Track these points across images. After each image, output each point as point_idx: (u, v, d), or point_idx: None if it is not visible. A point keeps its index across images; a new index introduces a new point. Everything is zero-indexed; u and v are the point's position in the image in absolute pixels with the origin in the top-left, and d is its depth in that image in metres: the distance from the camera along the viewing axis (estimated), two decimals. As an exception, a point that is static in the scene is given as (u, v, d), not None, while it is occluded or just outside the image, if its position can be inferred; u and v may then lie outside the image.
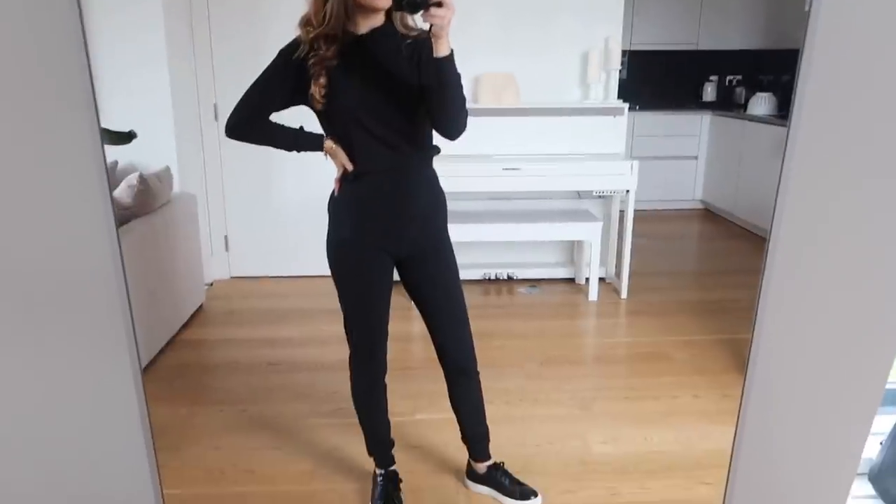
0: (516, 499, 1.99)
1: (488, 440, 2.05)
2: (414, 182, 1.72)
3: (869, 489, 1.81)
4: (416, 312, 1.88)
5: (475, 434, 2.03)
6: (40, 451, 1.36)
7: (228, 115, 1.70)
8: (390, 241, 1.74)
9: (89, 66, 1.12)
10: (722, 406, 2.59)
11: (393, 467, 2.04)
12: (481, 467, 2.05)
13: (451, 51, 1.52)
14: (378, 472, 2.03)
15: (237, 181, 4.02)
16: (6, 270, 1.21)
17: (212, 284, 4.02)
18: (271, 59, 1.67)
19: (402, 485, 2.03)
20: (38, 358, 1.28)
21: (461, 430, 2.02)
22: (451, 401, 1.97)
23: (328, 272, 1.80)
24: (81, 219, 1.18)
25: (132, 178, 2.89)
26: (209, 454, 2.30)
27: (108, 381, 1.30)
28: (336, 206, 1.77)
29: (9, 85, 1.10)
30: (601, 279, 3.95)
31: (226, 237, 4.11)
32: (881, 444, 1.82)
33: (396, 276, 1.84)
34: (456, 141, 1.68)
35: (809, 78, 1.19)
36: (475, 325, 1.89)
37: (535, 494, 1.99)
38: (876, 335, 1.32)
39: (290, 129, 1.74)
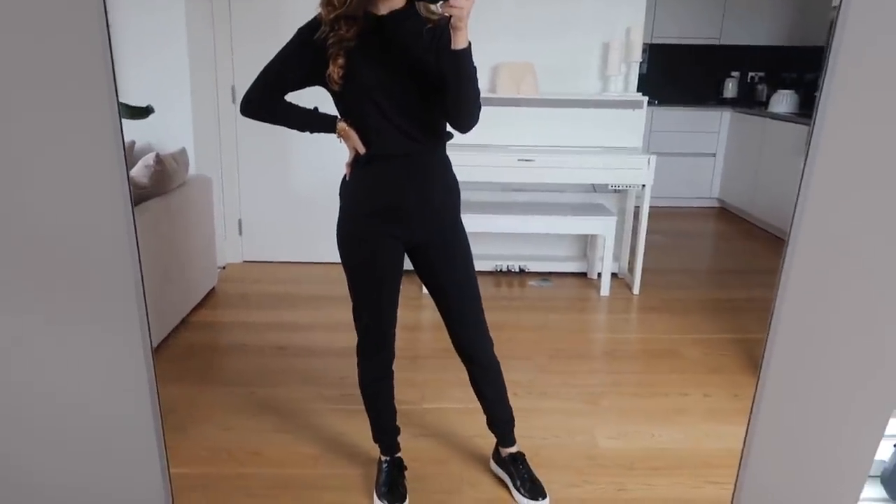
0: (523, 494, 1.97)
1: (511, 426, 2.04)
2: (426, 168, 1.71)
3: (880, 492, 1.79)
4: (425, 301, 1.88)
5: (496, 420, 2.02)
6: (51, 423, 1.37)
7: (244, 93, 1.69)
8: (401, 227, 1.73)
9: (110, 43, 1.12)
10: (732, 406, 2.56)
11: (398, 454, 2.04)
12: (503, 452, 2.05)
13: (469, 44, 1.51)
14: (383, 458, 2.03)
15: (253, 165, 4.03)
16: (23, 242, 1.21)
17: (224, 267, 4.04)
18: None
19: (406, 472, 2.02)
20: (51, 331, 1.28)
21: (486, 415, 2.03)
22: (472, 387, 1.97)
23: (339, 259, 1.80)
24: (98, 192, 1.18)
25: (149, 158, 2.90)
26: (217, 435, 2.32)
27: (119, 356, 1.30)
28: (347, 190, 1.76)
29: (29, 59, 1.10)
30: (614, 275, 3.92)
31: (239, 221, 4.12)
32: (895, 446, 1.79)
33: (408, 266, 1.83)
34: (472, 130, 1.67)
35: (835, 75, 1.17)
36: (486, 317, 1.88)
37: (544, 496, 1.96)
38: (892, 339, 1.29)
39: (304, 109, 1.73)
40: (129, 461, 1.41)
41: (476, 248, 1.86)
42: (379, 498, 1.95)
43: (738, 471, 1.45)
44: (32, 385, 1.33)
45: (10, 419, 1.36)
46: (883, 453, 1.77)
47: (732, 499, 1.50)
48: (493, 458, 2.11)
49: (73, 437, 1.39)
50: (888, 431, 1.38)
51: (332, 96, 1.68)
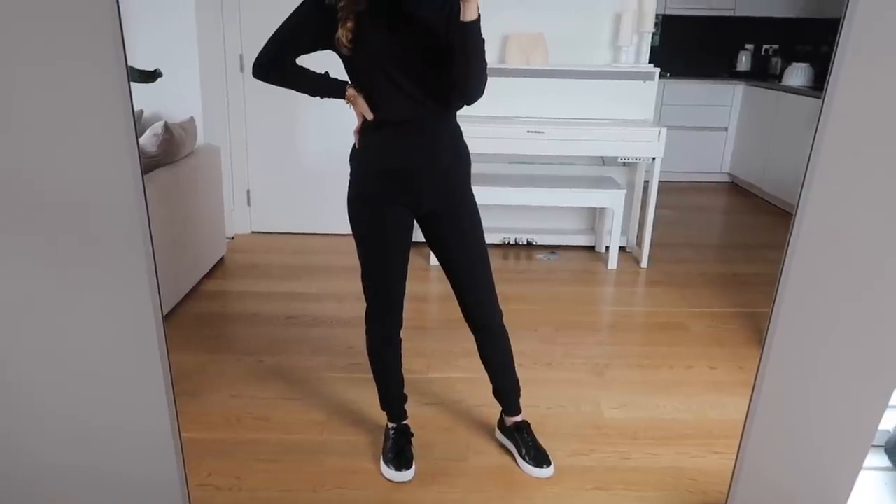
0: (528, 462, 1.99)
1: (517, 396, 2.06)
2: (434, 134, 1.71)
3: (884, 460, 1.80)
4: (433, 273, 1.88)
5: (502, 389, 2.04)
6: (62, 389, 1.39)
7: (256, 55, 1.69)
8: (410, 195, 1.74)
9: (119, 11, 1.11)
10: (737, 378, 2.58)
11: (405, 422, 2.07)
12: (508, 421, 2.08)
13: (479, 16, 1.51)
14: (390, 425, 2.06)
15: (261, 136, 4.03)
16: (34, 209, 1.22)
17: (233, 238, 4.06)
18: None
19: (413, 439, 2.05)
20: (63, 297, 1.30)
21: (492, 385, 2.04)
22: (479, 356, 1.98)
23: (347, 230, 1.80)
24: (107, 155, 1.18)
25: (157, 127, 2.90)
26: (226, 401, 2.35)
27: (130, 322, 1.32)
28: (356, 158, 1.77)
29: (39, 22, 1.10)
30: (622, 248, 3.92)
31: (248, 191, 4.13)
32: (900, 416, 1.80)
33: (418, 238, 1.84)
34: (480, 101, 1.67)
35: (848, 47, 1.15)
36: (492, 288, 1.89)
37: (549, 463, 1.99)
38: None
39: (315, 73, 1.73)
40: (141, 425, 1.43)
41: (483, 221, 1.85)
42: (386, 464, 1.98)
43: (740, 441, 1.46)
44: (45, 350, 1.35)
45: (22, 385, 1.38)
46: (887, 423, 1.78)
47: (734, 469, 1.51)
48: (499, 428, 2.14)
49: (84, 402, 1.41)
50: (892, 402, 1.39)
51: (343, 61, 1.67)
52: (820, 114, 1.21)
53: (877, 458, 1.80)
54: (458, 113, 1.76)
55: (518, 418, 2.07)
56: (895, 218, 1.23)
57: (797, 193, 1.29)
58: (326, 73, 1.74)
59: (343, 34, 1.57)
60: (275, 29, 1.67)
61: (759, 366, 1.38)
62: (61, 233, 1.24)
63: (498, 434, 2.14)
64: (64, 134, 1.16)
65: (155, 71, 2.40)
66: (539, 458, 2.00)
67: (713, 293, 3.41)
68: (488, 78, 1.63)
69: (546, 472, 1.98)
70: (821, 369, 1.36)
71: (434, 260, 1.89)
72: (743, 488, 1.48)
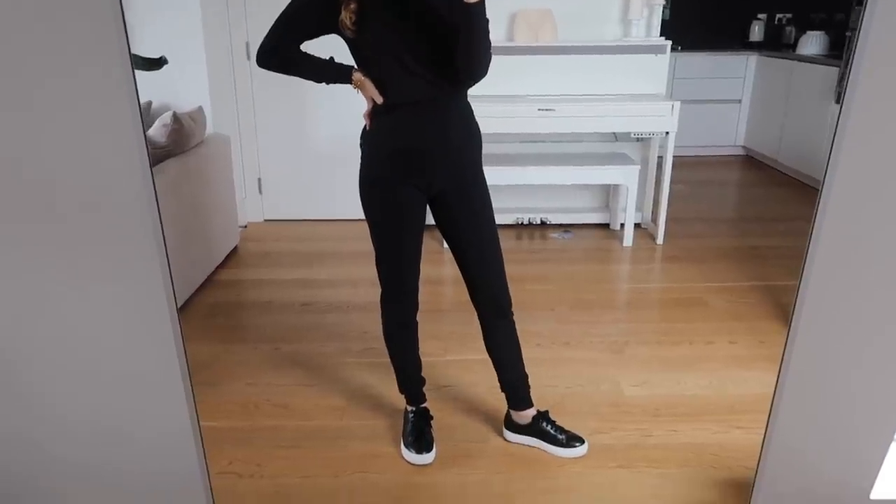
0: (563, 446, 1.96)
1: (528, 386, 2.00)
2: (446, 115, 1.68)
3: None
4: (447, 256, 1.85)
5: (513, 379, 1.98)
6: (82, 384, 1.39)
7: (260, 43, 1.67)
8: (422, 176, 1.71)
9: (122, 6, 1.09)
10: (758, 352, 2.54)
11: (424, 404, 2.06)
12: (525, 416, 2.00)
13: None
14: (409, 409, 2.05)
15: (270, 123, 4.01)
16: (44, 203, 1.21)
17: (246, 226, 4.06)
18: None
19: (433, 422, 2.05)
20: (76, 291, 1.29)
21: (498, 376, 1.98)
22: (485, 345, 1.94)
23: (360, 216, 1.79)
24: (114, 147, 1.17)
25: (166, 118, 2.89)
26: (244, 389, 2.36)
27: (145, 315, 1.31)
28: (367, 140, 1.74)
29: (43, 15, 1.08)
30: (637, 225, 3.88)
31: (259, 180, 4.12)
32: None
33: (430, 221, 1.82)
34: (489, 80, 1.65)
35: (875, 12, 1.10)
36: (507, 270, 1.86)
37: (582, 441, 1.96)
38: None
39: (320, 59, 1.71)
40: (160, 416, 1.43)
41: (496, 201, 1.83)
42: (406, 447, 1.98)
43: (769, 416, 1.44)
44: (59, 345, 1.35)
45: (38, 380, 1.38)
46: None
47: (763, 444, 1.49)
48: (509, 428, 2.05)
49: (101, 396, 1.41)
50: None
51: (348, 44, 1.65)
52: (845, 86, 1.16)
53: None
54: (468, 92, 1.73)
55: (534, 410, 2.01)
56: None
57: (814, 164, 1.25)
58: (331, 58, 1.71)
59: (346, 16, 1.55)
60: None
61: (786, 340, 1.35)
62: (72, 227, 1.23)
63: (510, 435, 2.04)
64: (69, 125, 1.15)
65: (160, 58, 2.37)
66: (571, 438, 1.97)
67: (730, 267, 3.37)
68: (496, 57, 1.61)
69: (583, 449, 1.96)
70: (849, 342, 1.33)
71: (445, 239, 1.86)
72: (772, 463, 1.46)
